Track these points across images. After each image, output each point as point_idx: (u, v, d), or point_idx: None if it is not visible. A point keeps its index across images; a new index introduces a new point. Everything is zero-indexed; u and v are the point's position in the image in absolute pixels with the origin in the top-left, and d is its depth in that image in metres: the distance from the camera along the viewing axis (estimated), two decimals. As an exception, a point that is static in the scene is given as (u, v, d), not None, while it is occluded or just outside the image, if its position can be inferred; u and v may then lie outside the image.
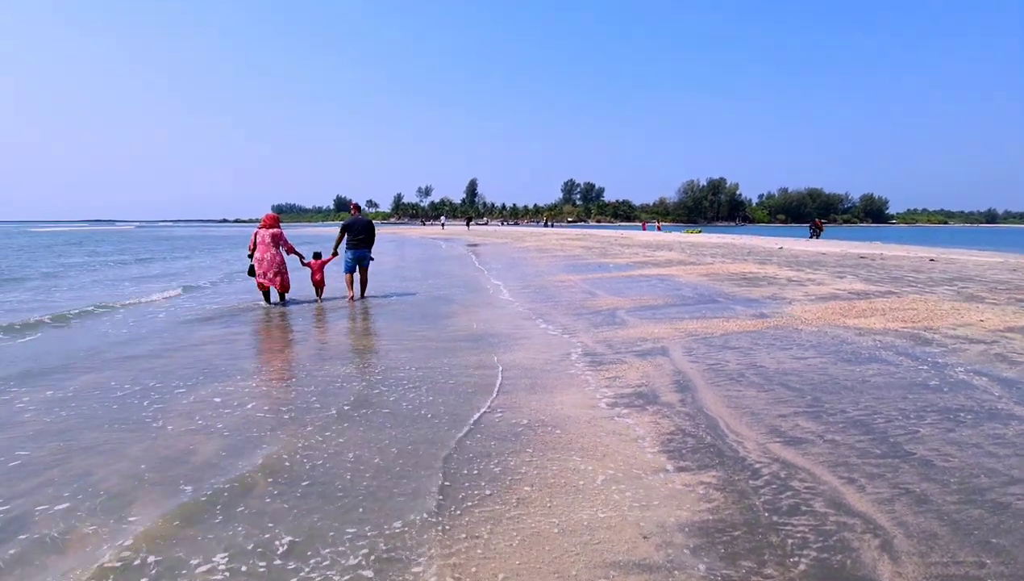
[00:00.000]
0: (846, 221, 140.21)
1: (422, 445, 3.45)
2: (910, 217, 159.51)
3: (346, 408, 4.12)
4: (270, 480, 3.01)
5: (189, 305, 9.42)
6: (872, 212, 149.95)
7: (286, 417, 3.96)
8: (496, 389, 4.53)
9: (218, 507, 2.74)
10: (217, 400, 4.32)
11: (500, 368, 5.17)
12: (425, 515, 2.63)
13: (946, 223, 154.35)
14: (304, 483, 2.97)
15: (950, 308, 7.42)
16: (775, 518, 2.53)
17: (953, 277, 10.94)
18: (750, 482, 2.87)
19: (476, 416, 3.91)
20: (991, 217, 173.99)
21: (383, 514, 2.66)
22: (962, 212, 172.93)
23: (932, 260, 15.06)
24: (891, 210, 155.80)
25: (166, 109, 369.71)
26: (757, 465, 3.06)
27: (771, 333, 6.29)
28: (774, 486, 2.82)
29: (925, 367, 4.84)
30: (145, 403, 4.27)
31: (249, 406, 4.19)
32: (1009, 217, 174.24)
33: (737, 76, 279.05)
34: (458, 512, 2.66)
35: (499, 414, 3.96)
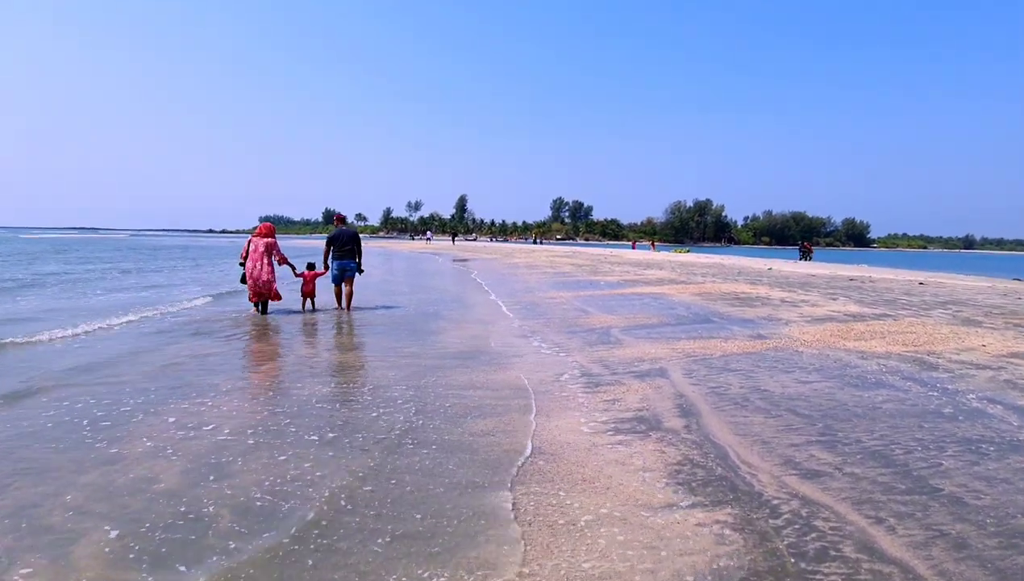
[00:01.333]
0: (829, 244, 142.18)
1: (407, 475, 3.14)
2: (891, 241, 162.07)
3: (329, 435, 3.80)
4: (233, 514, 2.68)
5: (175, 314, 9.01)
6: (854, 236, 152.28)
7: (250, 443, 3.63)
8: (486, 412, 4.24)
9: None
10: (171, 419, 3.98)
11: (491, 390, 4.88)
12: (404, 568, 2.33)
13: (925, 248, 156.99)
14: (259, 519, 2.64)
15: (949, 332, 7.29)
16: (803, 565, 2.27)
17: (946, 301, 10.88)
18: (770, 521, 2.61)
19: (469, 442, 3.62)
20: (969, 243, 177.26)
21: (324, 570, 2.35)
22: (941, 237, 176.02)
23: (921, 283, 15.08)
24: (872, 234, 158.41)
25: (158, 114, 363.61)
26: (775, 501, 2.80)
27: (772, 355, 6.08)
28: (797, 526, 2.56)
29: (935, 394, 4.64)
30: (85, 422, 3.91)
31: (210, 428, 3.85)
32: (986, 243, 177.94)
33: (723, 90, 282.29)
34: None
35: (489, 438, 3.67)
